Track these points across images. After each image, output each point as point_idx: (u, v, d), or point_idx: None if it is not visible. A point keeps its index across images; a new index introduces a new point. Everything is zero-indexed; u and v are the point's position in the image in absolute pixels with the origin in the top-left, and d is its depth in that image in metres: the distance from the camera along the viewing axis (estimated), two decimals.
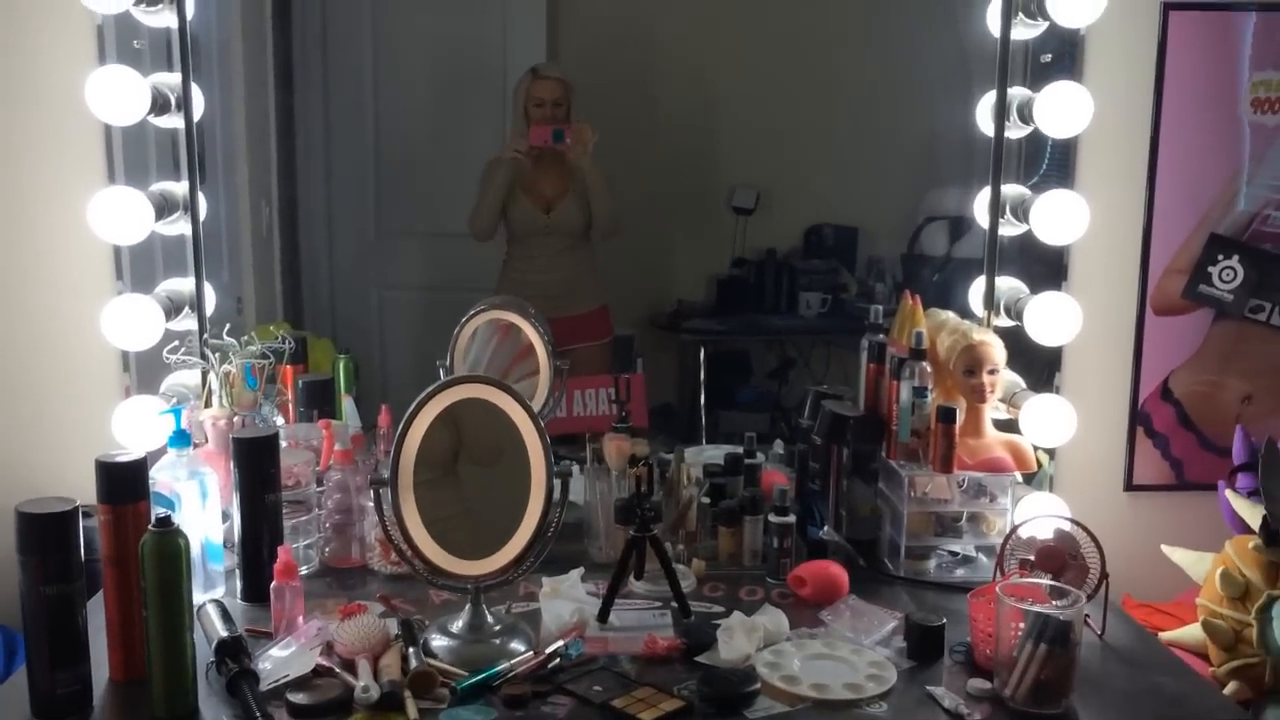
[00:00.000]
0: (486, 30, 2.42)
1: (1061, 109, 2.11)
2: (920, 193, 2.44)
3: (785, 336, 2.43)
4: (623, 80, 2.40)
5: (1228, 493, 2.01)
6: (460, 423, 1.66)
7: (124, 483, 1.53)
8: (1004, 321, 2.21)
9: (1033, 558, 1.82)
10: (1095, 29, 2.17)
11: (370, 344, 2.36)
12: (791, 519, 1.96)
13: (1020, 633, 1.52)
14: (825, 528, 2.03)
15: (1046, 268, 2.22)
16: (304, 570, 1.89)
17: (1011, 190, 2.22)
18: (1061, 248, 2.23)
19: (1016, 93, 2.19)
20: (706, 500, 2.09)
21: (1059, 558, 1.81)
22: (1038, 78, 2.20)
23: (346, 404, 2.13)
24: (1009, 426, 2.16)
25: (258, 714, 1.41)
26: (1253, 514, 1.92)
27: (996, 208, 2.20)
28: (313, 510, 1.99)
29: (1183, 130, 2.22)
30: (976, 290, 2.26)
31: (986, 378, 2.02)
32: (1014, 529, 1.86)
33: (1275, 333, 2.26)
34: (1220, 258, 2.23)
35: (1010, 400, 2.18)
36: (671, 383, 2.42)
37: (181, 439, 1.80)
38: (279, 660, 1.57)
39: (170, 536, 1.42)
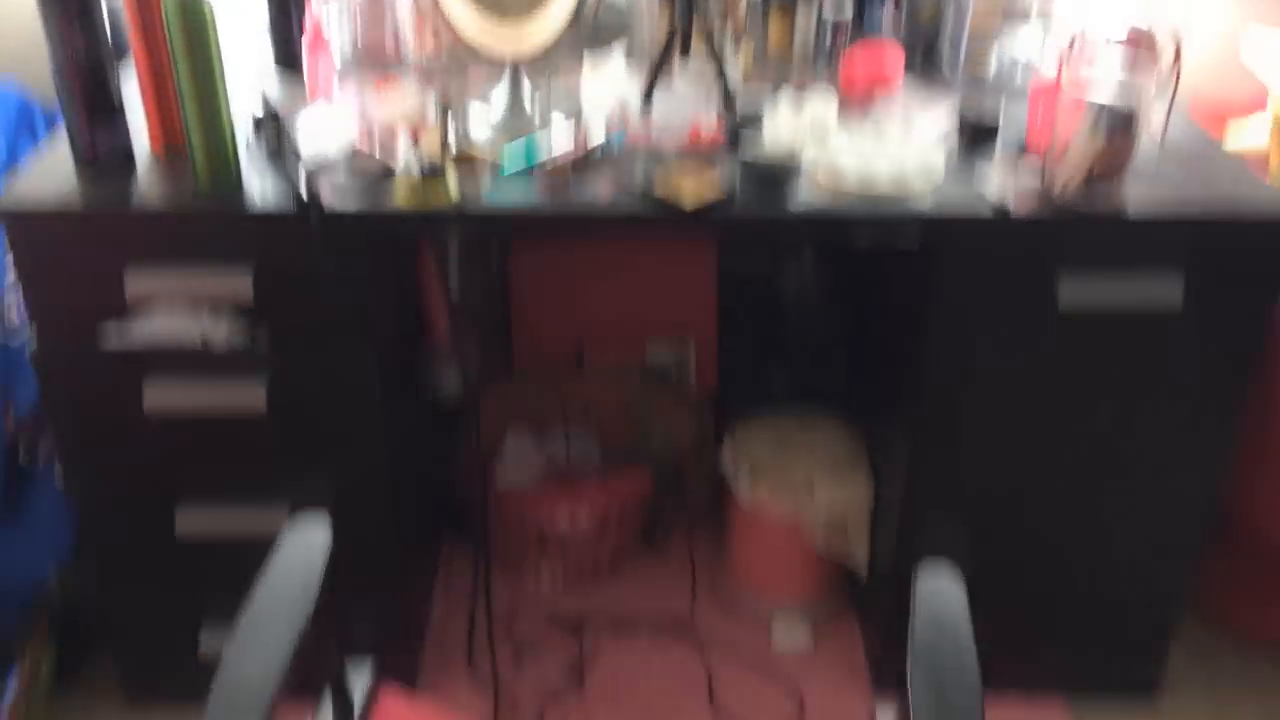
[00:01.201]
0: None
1: None
2: None
3: None
4: None
5: None
6: None
7: None
8: None
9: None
10: None
11: None
12: (848, 7, 1.85)
13: (1078, 128, 1.46)
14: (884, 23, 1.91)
15: None
16: (338, 64, 1.82)
17: None
18: None
19: None
20: None
21: (1130, 55, 1.70)
22: None
23: None
24: None
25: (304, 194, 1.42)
26: None
27: None
28: None
29: None
30: None
31: None
32: (1086, 24, 1.73)
33: None
34: None
35: None
36: None
37: None
38: (317, 122, 1.55)
39: None
